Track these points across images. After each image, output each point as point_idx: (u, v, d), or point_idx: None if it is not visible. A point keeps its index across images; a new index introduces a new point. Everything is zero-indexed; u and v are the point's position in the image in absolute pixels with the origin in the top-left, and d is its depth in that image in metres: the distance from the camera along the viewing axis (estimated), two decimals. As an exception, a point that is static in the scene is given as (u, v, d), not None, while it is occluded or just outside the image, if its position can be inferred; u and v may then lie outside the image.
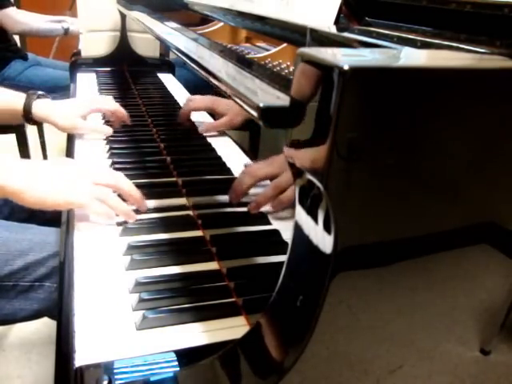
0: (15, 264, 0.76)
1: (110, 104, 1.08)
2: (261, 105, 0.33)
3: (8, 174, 0.65)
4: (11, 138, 2.01)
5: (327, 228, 0.33)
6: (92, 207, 0.68)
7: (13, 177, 0.65)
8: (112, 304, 0.54)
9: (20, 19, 2.18)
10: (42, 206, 0.67)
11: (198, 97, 1.15)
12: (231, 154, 0.98)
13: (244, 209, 0.76)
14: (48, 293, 0.77)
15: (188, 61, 0.58)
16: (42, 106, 0.99)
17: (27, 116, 0.99)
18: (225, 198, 0.79)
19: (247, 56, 0.95)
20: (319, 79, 0.30)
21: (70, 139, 1.04)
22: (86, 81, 1.54)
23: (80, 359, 0.46)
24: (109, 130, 1.04)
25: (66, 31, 2.29)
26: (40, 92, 1.02)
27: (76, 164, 0.77)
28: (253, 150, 1.00)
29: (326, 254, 0.33)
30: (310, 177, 0.33)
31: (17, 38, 2.44)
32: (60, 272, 0.62)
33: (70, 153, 0.97)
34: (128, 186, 0.73)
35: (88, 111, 1.05)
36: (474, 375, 0.46)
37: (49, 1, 3.38)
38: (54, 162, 0.74)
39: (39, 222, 0.97)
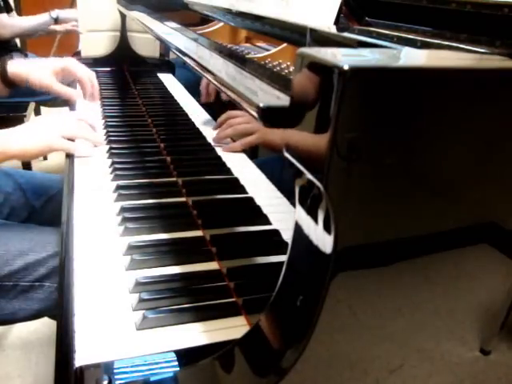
0: (15, 264, 0.76)
1: (84, 71, 1.12)
2: (261, 105, 0.33)
3: (5, 140, 0.81)
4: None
5: (327, 228, 0.33)
6: (64, 145, 0.88)
7: (10, 141, 0.81)
8: (112, 304, 0.54)
9: (10, 23, 2.17)
10: (26, 156, 0.88)
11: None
12: (231, 154, 0.98)
13: (244, 209, 0.77)
14: (48, 293, 0.77)
15: (188, 61, 0.58)
16: (17, 66, 1.04)
17: (4, 78, 1.04)
18: (225, 197, 0.80)
19: (247, 56, 0.95)
20: (319, 79, 0.30)
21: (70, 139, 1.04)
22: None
23: (80, 359, 0.45)
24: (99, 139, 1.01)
25: (56, 20, 2.27)
26: (11, 54, 1.10)
27: (44, 119, 0.95)
28: (252, 150, 1.00)
29: (326, 254, 0.33)
30: (309, 177, 0.33)
31: (17, 38, 2.43)
32: (60, 272, 0.62)
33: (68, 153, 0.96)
34: (89, 134, 0.95)
35: (60, 67, 1.08)
36: (473, 375, 0.46)
37: (49, 1, 3.38)
38: (26, 124, 0.95)
39: (39, 222, 0.97)
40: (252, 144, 0.98)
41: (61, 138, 0.87)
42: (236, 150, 0.99)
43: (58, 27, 2.29)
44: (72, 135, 0.91)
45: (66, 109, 1.27)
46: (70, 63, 1.11)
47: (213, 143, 1.03)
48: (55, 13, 2.26)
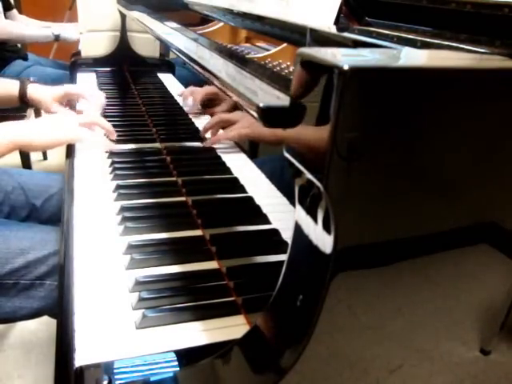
0: (16, 262, 0.76)
1: (84, 89, 1.24)
2: (261, 105, 0.33)
3: (16, 131, 0.85)
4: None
5: (327, 228, 0.33)
6: (83, 135, 0.90)
7: (20, 132, 0.85)
8: (112, 303, 0.54)
9: (8, 29, 2.15)
10: (49, 147, 0.89)
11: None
12: (231, 154, 0.98)
13: (244, 209, 0.77)
14: (49, 291, 0.77)
15: (188, 61, 0.58)
16: (36, 90, 1.17)
17: (22, 99, 1.16)
18: (224, 196, 0.80)
19: (247, 56, 0.95)
20: (319, 79, 0.30)
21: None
22: (86, 81, 1.54)
23: (80, 359, 0.46)
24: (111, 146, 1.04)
25: (57, 37, 2.25)
26: (32, 78, 1.19)
27: (59, 115, 1.05)
28: (252, 150, 1.00)
29: (326, 254, 0.33)
30: (309, 177, 0.33)
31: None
32: (60, 272, 0.62)
33: (70, 152, 0.97)
34: (103, 121, 0.99)
35: (62, 93, 1.18)
36: (473, 375, 0.46)
37: (49, 1, 3.38)
38: (43, 118, 1.00)
39: (39, 221, 0.97)
40: (244, 137, 1.00)
41: (81, 128, 0.91)
42: (227, 137, 1.01)
43: (70, 35, 2.28)
44: (88, 121, 0.96)
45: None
46: (68, 87, 1.22)
47: (214, 144, 1.02)
48: (57, 30, 2.24)
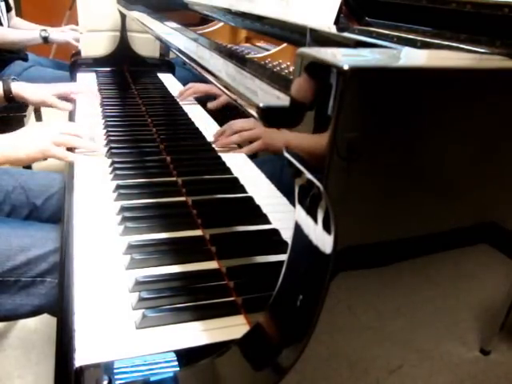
0: (17, 259, 0.76)
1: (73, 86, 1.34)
2: (261, 105, 0.33)
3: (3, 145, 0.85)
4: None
5: (327, 228, 0.33)
6: (57, 153, 0.89)
7: (7, 147, 0.86)
8: (112, 303, 0.54)
9: None
10: (18, 162, 0.89)
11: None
12: (231, 154, 0.98)
13: (244, 209, 0.77)
14: (49, 288, 0.77)
15: (188, 61, 0.58)
16: (18, 86, 1.25)
17: (8, 96, 1.24)
18: (224, 196, 0.80)
19: (247, 56, 0.95)
20: (319, 79, 0.30)
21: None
22: (86, 81, 1.54)
23: (80, 359, 0.46)
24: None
25: (45, 39, 2.19)
26: (13, 76, 1.28)
27: (39, 127, 0.98)
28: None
29: (326, 254, 0.33)
30: (309, 177, 0.33)
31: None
32: (60, 271, 0.62)
33: (70, 152, 0.96)
34: (83, 143, 0.95)
35: (63, 91, 1.27)
36: (473, 375, 0.46)
37: (49, 1, 3.38)
38: (21, 130, 0.96)
39: (39, 220, 0.97)
40: (257, 150, 0.99)
41: (54, 146, 0.89)
42: (240, 152, 1.01)
43: (59, 36, 2.26)
44: (65, 143, 0.92)
45: (65, 114, 1.30)
46: (61, 85, 1.30)
47: (216, 147, 1.02)
48: (46, 32, 2.17)
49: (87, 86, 1.38)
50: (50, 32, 2.20)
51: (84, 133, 0.97)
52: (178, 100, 1.36)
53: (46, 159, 0.98)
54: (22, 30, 2.26)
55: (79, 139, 0.95)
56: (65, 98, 1.29)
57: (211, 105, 1.26)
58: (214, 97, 1.28)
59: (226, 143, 1.01)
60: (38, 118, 2.26)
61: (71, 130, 0.96)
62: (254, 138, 0.99)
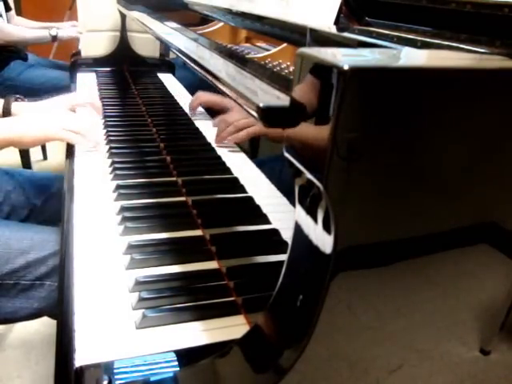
0: (16, 262, 0.76)
1: (85, 97, 1.20)
2: (261, 105, 0.33)
3: (6, 127, 0.85)
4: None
5: (327, 228, 0.33)
6: (64, 135, 0.89)
7: (11, 129, 0.85)
8: (112, 303, 0.54)
9: (3, 30, 2.14)
10: (23, 143, 0.88)
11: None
12: (231, 154, 0.98)
13: (244, 209, 0.76)
14: (49, 291, 0.77)
15: (188, 61, 0.58)
16: (20, 109, 1.07)
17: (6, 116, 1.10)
18: (224, 196, 0.80)
19: (247, 56, 0.95)
20: (319, 79, 0.30)
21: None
22: (86, 81, 1.54)
23: (80, 359, 0.45)
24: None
25: (54, 38, 2.24)
26: (17, 95, 1.11)
27: (50, 111, 0.98)
28: (252, 150, 1.00)
29: (326, 254, 0.33)
30: (309, 177, 0.33)
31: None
32: (60, 271, 0.62)
33: (70, 152, 0.96)
34: (89, 132, 0.94)
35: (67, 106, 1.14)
36: (473, 375, 0.46)
37: (49, 1, 3.38)
38: (33, 114, 0.96)
39: (39, 220, 0.97)
40: (254, 134, 0.99)
41: (60, 129, 0.89)
42: (241, 139, 1.00)
43: (66, 33, 2.28)
44: (72, 129, 0.92)
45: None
46: (71, 102, 1.17)
47: (214, 144, 1.02)
48: (54, 31, 2.22)
49: (90, 98, 1.27)
50: (58, 31, 2.24)
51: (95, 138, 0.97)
52: (190, 114, 1.25)
53: (46, 158, 0.98)
54: (31, 29, 2.29)
55: (87, 128, 0.95)
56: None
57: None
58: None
59: (224, 137, 1.01)
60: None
61: (82, 122, 0.95)
62: (250, 125, 0.99)
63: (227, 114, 1.06)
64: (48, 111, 0.97)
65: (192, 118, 1.19)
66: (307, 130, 0.32)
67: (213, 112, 1.21)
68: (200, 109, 1.28)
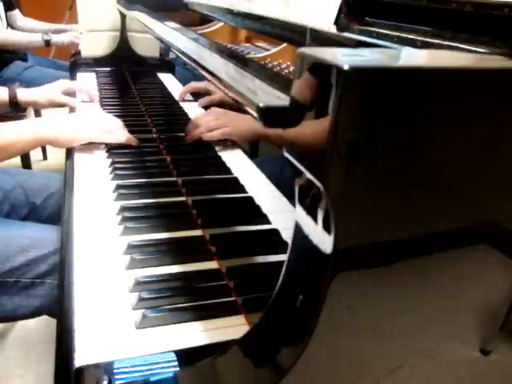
0: (16, 260, 0.76)
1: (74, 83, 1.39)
2: (261, 105, 0.33)
3: (40, 127, 0.90)
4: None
5: (327, 228, 0.33)
6: (103, 138, 0.96)
7: (45, 129, 0.90)
8: (112, 303, 0.54)
9: None
10: (71, 144, 0.95)
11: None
12: (231, 154, 0.98)
13: (244, 209, 0.76)
14: (49, 289, 0.77)
15: (188, 61, 0.58)
16: (24, 91, 1.28)
17: (12, 102, 1.26)
18: (224, 196, 0.80)
19: (247, 56, 0.95)
20: (319, 79, 0.30)
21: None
22: (86, 81, 1.54)
23: (80, 359, 0.46)
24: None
25: (48, 43, 2.21)
26: (18, 83, 1.29)
27: (89, 116, 1.06)
28: (252, 150, 1.00)
29: (326, 254, 0.33)
30: (309, 177, 0.33)
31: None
32: (60, 271, 0.62)
33: (70, 152, 0.97)
34: (125, 138, 0.99)
35: (68, 87, 1.30)
36: (474, 375, 0.46)
37: (49, 1, 3.38)
38: (74, 115, 1.13)
39: (39, 219, 0.97)
40: (223, 136, 1.02)
41: (102, 131, 0.96)
42: (212, 138, 1.02)
43: (60, 38, 2.26)
44: (110, 129, 0.98)
45: (66, 110, 1.31)
46: (63, 82, 1.33)
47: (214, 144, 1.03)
48: (48, 36, 2.20)
49: (87, 85, 1.41)
50: (52, 35, 2.21)
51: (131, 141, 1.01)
52: (178, 100, 1.37)
53: (45, 158, 1.00)
54: (24, 33, 2.26)
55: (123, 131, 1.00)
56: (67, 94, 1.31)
57: (202, 102, 1.29)
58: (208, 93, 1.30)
59: (194, 136, 1.03)
60: (38, 117, 2.26)
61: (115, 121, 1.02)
62: (220, 126, 1.02)
63: (199, 116, 1.11)
64: (84, 115, 1.07)
65: (192, 119, 1.19)
66: (307, 130, 0.32)
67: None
68: (200, 109, 1.29)
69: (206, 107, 1.26)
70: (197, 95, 1.36)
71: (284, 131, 0.34)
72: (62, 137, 0.91)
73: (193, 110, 1.27)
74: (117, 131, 0.98)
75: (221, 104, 1.22)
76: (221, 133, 1.01)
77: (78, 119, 1.00)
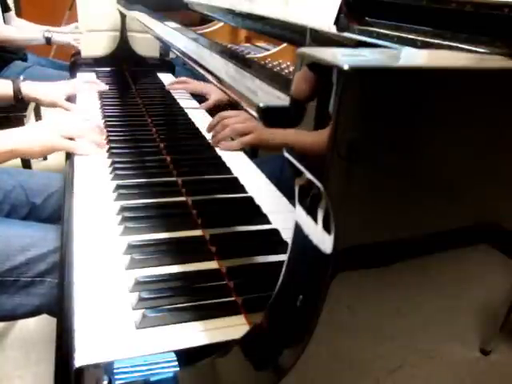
0: (16, 259, 0.76)
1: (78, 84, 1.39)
2: (261, 105, 0.33)
3: (15, 139, 0.88)
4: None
5: (327, 228, 0.33)
6: (64, 144, 0.93)
7: (19, 140, 0.88)
8: (112, 303, 0.54)
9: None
10: (31, 154, 0.92)
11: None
12: (231, 154, 0.98)
13: (244, 209, 0.76)
14: (49, 288, 0.77)
15: (188, 61, 0.58)
16: (29, 86, 1.28)
17: (17, 96, 1.26)
18: (224, 196, 0.80)
19: (247, 56, 0.95)
20: (319, 79, 0.30)
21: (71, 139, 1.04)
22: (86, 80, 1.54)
23: (80, 359, 0.45)
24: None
25: (48, 40, 2.21)
26: (22, 77, 1.29)
27: (47, 119, 1.04)
28: (252, 150, 1.00)
29: (326, 254, 0.33)
30: (309, 177, 0.33)
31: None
32: (60, 271, 0.62)
33: (70, 152, 0.96)
34: (89, 134, 0.98)
35: (71, 91, 1.32)
36: (474, 375, 0.46)
37: (49, 1, 3.38)
38: (30, 124, 1.10)
39: (39, 219, 0.97)
40: (250, 143, 0.99)
41: (61, 138, 0.92)
42: (234, 148, 1.00)
43: (61, 38, 2.26)
44: (71, 135, 0.95)
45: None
46: (76, 87, 1.35)
47: (213, 144, 1.03)
48: (49, 33, 2.19)
49: (89, 81, 1.44)
50: (53, 33, 2.21)
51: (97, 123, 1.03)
52: (167, 88, 1.42)
53: (45, 158, 1.00)
54: (25, 30, 2.26)
55: (86, 131, 0.98)
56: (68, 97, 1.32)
57: (204, 106, 1.28)
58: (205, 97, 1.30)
59: (220, 139, 1.01)
60: (38, 117, 2.26)
61: (79, 126, 0.99)
62: (247, 131, 1.00)
63: (226, 113, 1.06)
64: (47, 120, 1.04)
65: (192, 119, 1.19)
66: (307, 132, 0.32)
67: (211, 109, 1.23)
68: (200, 109, 1.29)
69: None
70: (196, 95, 1.36)
71: (283, 130, 0.34)
72: (35, 148, 0.90)
73: (192, 109, 1.27)
74: (86, 134, 0.97)
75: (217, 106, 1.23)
76: (242, 142, 0.99)
77: (48, 127, 0.96)
